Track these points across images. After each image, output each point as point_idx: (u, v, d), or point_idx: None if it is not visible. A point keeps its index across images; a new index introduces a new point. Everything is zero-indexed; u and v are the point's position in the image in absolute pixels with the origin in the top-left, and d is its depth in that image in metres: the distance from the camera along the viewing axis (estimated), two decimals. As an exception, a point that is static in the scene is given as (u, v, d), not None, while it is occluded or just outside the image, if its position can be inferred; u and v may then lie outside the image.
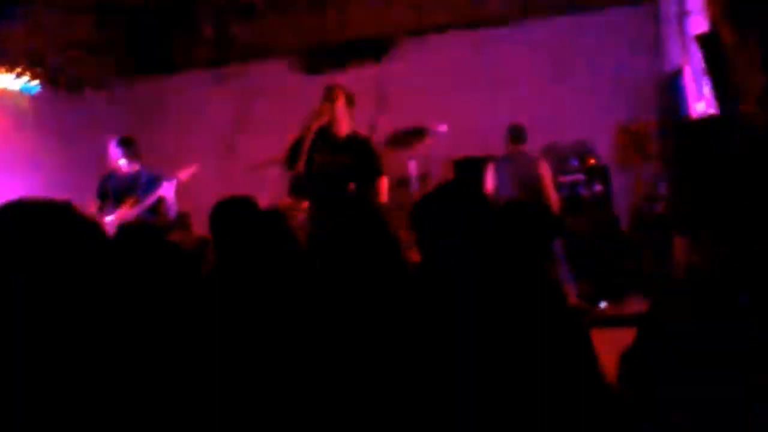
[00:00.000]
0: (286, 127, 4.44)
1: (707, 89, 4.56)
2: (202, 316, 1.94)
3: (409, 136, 6.28)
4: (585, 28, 6.53)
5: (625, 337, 1.88)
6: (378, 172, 4.31)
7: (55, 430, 1.40)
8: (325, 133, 4.28)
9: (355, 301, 1.99)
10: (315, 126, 4.23)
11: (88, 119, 6.87)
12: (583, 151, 6.17)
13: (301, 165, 4.19)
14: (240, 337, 1.95)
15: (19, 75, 6.19)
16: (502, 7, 6.72)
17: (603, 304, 5.48)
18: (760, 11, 3.69)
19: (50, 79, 6.53)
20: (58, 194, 1.77)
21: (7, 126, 6.30)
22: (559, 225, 5.10)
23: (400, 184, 6.11)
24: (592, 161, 6.14)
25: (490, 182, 5.56)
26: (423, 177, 6.26)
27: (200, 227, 4.82)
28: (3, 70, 6.12)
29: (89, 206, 4.77)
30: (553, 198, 5.51)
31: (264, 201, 2.79)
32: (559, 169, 6.12)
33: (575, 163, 6.15)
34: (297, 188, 4.31)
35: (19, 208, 1.55)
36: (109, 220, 4.77)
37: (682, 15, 5.65)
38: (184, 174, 4.99)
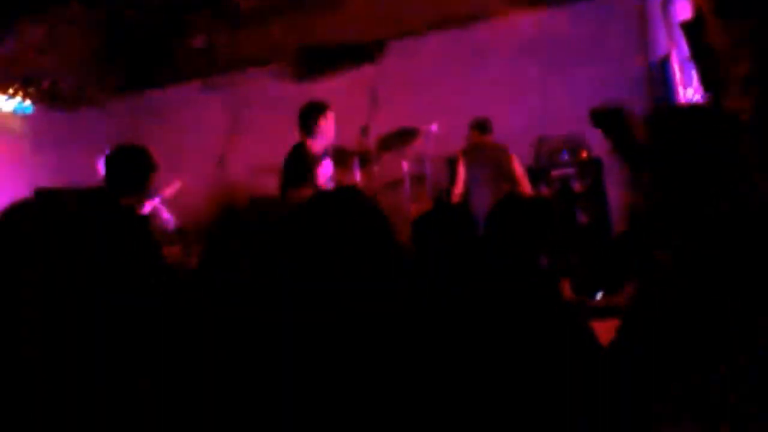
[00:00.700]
0: (278, 134, 4.47)
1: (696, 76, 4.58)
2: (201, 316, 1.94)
3: (400, 138, 6.30)
4: (573, 20, 6.51)
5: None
6: None
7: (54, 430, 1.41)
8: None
9: (353, 297, 2.00)
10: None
11: (84, 135, 6.90)
12: (574, 144, 6.14)
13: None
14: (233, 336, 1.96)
15: (12, 95, 6.22)
16: (491, 1, 6.73)
17: (598, 296, 5.49)
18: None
19: (44, 97, 6.56)
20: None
21: (3, 146, 6.33)
22: (556, 218, 5.11)
23: (394, 185, 6.14)
24: (584, 154, 6.12)
25: (461, 173, 5.61)
26: (416, 177, 6.29)
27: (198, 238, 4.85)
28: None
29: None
30: (526, 184, 5.58)
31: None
32: (550, 162, 6.13)
33: (567, 156, 6.14)
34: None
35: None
36: None
37: (668, 2, 5.68)
38: (169, 191, 5.06)
